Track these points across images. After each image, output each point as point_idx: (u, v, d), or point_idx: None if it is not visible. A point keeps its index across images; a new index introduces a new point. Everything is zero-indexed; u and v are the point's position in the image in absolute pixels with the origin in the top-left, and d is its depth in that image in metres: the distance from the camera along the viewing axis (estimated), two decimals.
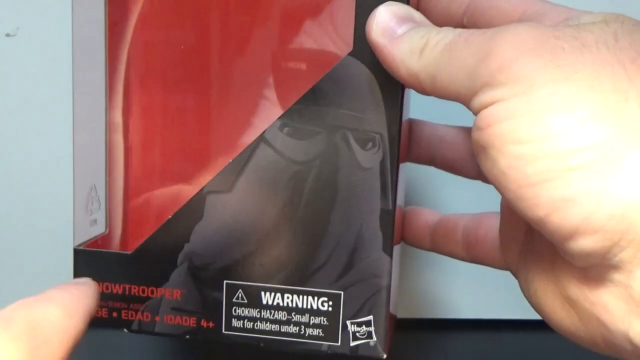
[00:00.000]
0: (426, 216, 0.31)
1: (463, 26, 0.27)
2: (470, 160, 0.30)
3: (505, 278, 0.28)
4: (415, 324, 0.42)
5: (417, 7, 0.28)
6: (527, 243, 0.25)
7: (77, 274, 0.29)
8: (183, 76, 0.28)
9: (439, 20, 0.28)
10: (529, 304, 0.25)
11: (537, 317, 0.25)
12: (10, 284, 0.41)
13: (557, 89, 0.20)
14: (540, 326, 0.26)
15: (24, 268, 0.41)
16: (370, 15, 0.25)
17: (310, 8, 0.27)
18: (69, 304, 0.22)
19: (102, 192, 0.31)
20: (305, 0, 0.27)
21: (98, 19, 0.29)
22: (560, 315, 0.23)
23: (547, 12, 0.24)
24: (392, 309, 0.30)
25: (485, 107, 0.21)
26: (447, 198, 0.40)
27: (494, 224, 0.29)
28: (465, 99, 0.22)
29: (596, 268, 0.20)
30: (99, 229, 0.31)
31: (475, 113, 0.22)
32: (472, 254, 0.30)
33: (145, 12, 0.28)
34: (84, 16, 0.28)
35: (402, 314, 0.41)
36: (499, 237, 0.28)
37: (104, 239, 0.30)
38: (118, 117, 0.29)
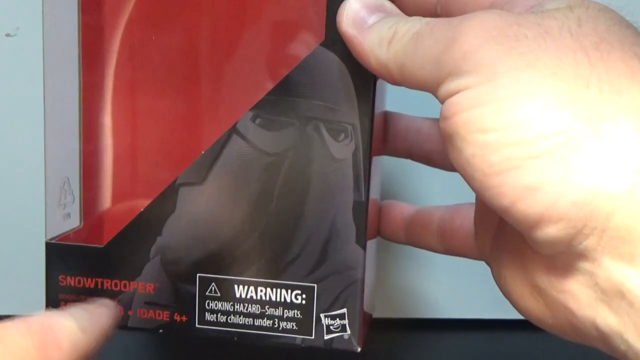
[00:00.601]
0: (401, 209, 0.31)
1: (437, 15, 0.27)
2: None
3: (487, 277, 0.28)
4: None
5: None
6: (499, 232, 0.25)
7: (49, 268, 0.28)
8: (173, 80, 0.28)
9: (413, 9, 0.28)
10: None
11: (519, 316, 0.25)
12: None
13: (519, 76, 0.20)
14: (522, 326, 0.26)
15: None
16: (341, 5, 0.25)
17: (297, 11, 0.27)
18: (85, 321, 0.24)
19: (75, 186, 0.30)
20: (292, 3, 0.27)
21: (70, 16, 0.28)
22: (529, 302, 0.23)
23: None
24: (367, 306, 0.30)
25: (450, 95, 0.21)
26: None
27: (470, 214, 0.29)
28: (432, 88, 0.22)
29: (563, 256, 0.20)
30: (74, 222, 0.30)
31: (442, 102, 0.21)
32: (447, 245, 0.30)
33: (135, 16, 0.28)
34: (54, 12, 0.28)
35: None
36: (473, 226, 0.28)
37: (78, 232, 0.30)
38: (107, 119, 0.29)
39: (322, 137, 0.26)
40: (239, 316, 0.28)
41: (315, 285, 0.27)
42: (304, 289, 0.27)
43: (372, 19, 0.24)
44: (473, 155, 0.20)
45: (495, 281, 0.25)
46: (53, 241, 0.28)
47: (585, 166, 0.19)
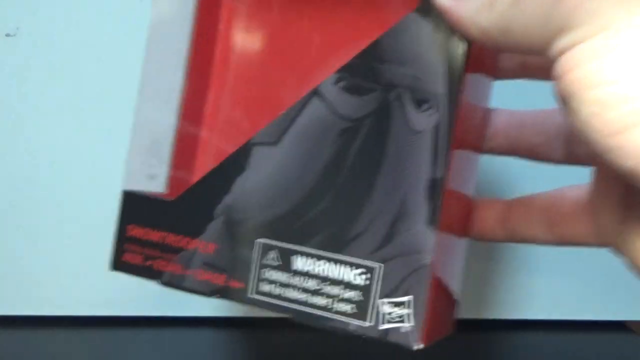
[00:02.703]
0: (493, 205, 0.28)
1: None
2: (555, 142, 0.27)
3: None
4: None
5: None
6: (629, 207, 0.22)
7: (122, 216, 0.28)
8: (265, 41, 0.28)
9: None
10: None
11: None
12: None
13: (638, 22, 0.18)
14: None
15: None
16: None
17: None
18: None
19: (166, 152, 0.30)
20: None
21: None
22: None
23: None
24: (447, 294, 0.26)
25: (563, 53, 0.19)
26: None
27: (579, 198, 0.26)
28: (541, 49, 0.20)
29: None
30: (157, 186, 0.30)
31: (554, 61, 0.20)
32: (559, 234, 0.27)
33: None
34: None
35: None
36: (590, 208, 0.25)
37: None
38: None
39: (403, 107, 0.25)
40: (295, 290, 0.26)
41: (379, 266, 0.25)
42: (366, 269, 0.25)
43: None
44: (590, 114, 0.18)
45: (631, 263, 0.22)
46: (128, 190, 0.28)
47: None
